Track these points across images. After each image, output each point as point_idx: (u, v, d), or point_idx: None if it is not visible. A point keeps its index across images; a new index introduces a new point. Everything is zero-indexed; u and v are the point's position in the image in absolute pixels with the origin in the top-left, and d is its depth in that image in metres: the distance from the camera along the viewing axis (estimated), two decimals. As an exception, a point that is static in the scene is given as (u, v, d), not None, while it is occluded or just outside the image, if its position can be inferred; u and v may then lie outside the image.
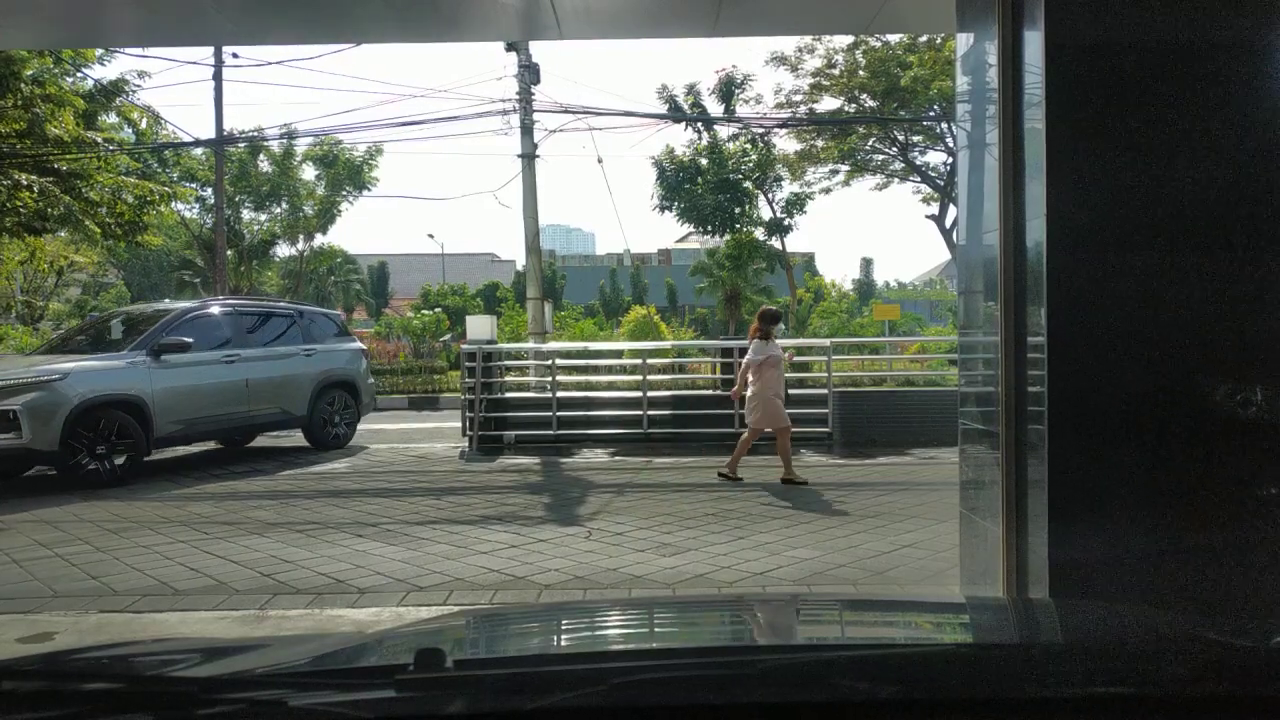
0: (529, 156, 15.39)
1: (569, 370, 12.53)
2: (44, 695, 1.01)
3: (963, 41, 3.34)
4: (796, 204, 25.47)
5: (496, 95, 49.20)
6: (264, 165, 24.57)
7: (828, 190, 26.37)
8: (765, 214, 25.68)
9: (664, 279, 47.66)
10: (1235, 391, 2.62)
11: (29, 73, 13.01)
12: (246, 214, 25.42)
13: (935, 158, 24.65)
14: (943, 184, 23.98)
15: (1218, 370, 2.65)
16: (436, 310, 27.83)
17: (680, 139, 51.08)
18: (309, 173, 25.19)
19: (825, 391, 10.39)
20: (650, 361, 11.54)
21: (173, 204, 19.62)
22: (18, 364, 8.40)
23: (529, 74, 15.39)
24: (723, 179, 24.00)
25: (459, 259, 54.64)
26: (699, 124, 24.12)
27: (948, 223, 24.03)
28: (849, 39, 22.01)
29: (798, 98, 23.78)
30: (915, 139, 24.43)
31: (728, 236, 25.63)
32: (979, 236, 3.14)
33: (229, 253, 23.28)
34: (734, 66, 24.52)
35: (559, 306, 31.99)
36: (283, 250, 27.47)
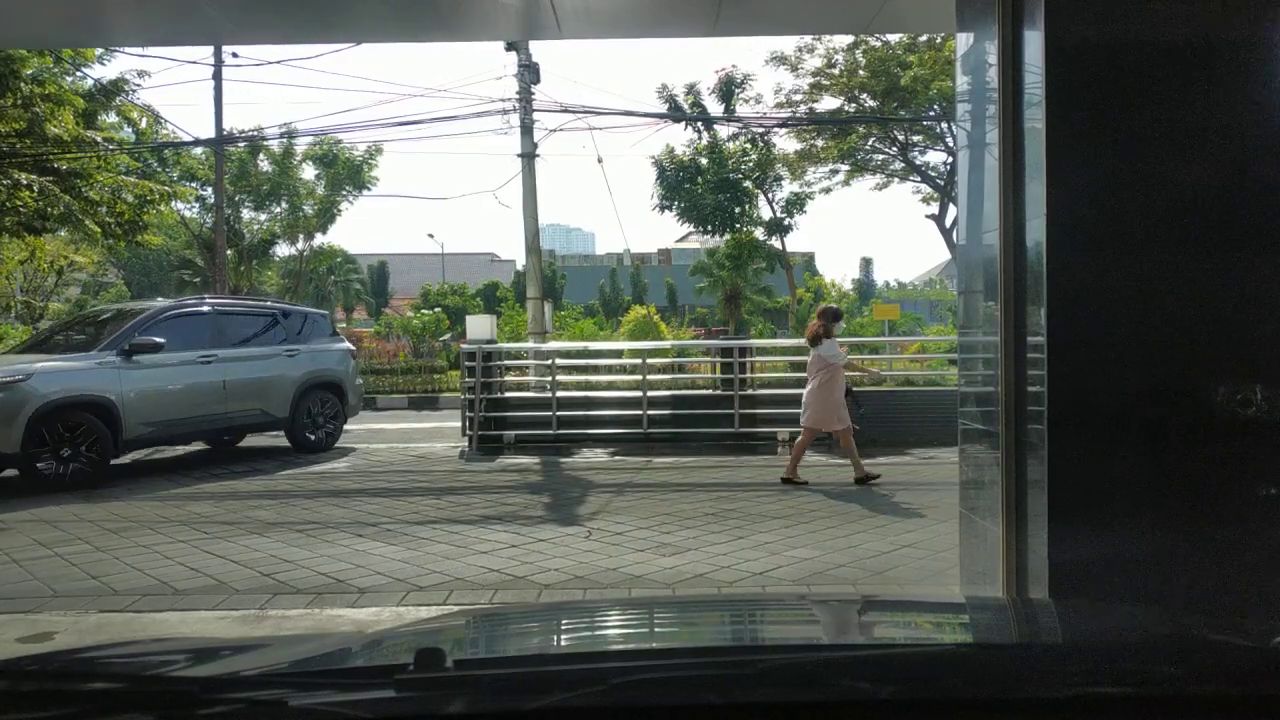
0: (529, 156, 15.38)
1: (569, 370, 12.52)
2: (44, 695, 1.01)
3: (963, 41, 3.34)
4: (796, 204, 25.49)
5: (496, 95, 49.17)
6: (264, 165, 24.58)
7: (828, 190, 26.41)
8: (765, 214, 25.73)
9: (664, 279, 47.64)
10: (1235, 391, 2.62)
11: (29, 72, 13.00)
12: (246, 213, 25.45)
13: (935, 157, 24.68)
14: (943, 184, 23.97)
15: (1217, 370, 2.64)
16: (436, 310, 27.83)
17: (680, 139, 51.06)
18: (309, 172, 25.24)
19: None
20: (650, 361, 11.53)
21: (172, 203, 19.65)
22: None
23: (529, 73, 15.38)
24: (723, 179, 24.01)
25: (459, 259, 54.65)
26: (699, 124, 24.12)
27: (947, 222, 24.03)
28: (849, 39, 22.01)
29: (798, 97, 23.80)
30: (915, 139, 24.42)
31: (728, 236, 25.65)
32: (979, 236, 3.14)
33: (229, 252, 23.28)
34: (734, 66, 24.55)
35: (559, 306, 31.97)
36: (283, 250, 27.52)
